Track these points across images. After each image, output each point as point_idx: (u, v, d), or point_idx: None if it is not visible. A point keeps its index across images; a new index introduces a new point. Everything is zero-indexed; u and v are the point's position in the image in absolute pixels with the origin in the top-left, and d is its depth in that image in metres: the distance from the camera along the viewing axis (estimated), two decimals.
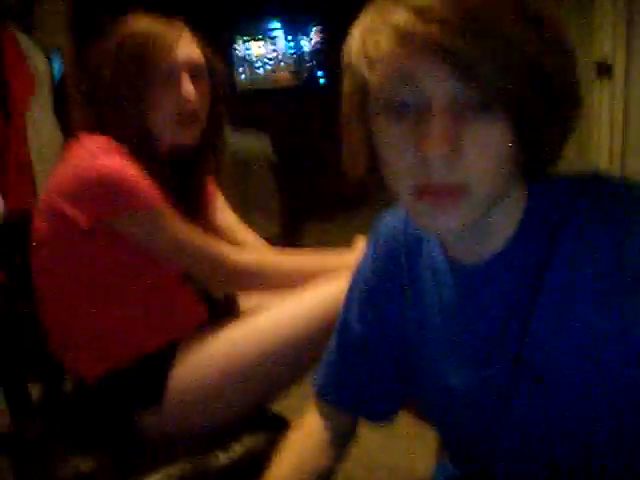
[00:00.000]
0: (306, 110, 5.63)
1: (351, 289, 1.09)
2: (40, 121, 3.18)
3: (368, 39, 0.76)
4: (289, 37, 6.02)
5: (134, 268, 1.46)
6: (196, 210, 1.61)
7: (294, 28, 6.02)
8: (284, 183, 4.56)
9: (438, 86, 0.72)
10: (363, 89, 0.78)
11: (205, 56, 1.54)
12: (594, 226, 0.77)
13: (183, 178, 1.61)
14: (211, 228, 1.64)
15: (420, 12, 0.70)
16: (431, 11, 0.70)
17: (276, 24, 5.96)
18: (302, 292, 1.55)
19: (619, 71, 3.43)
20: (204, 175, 1.67)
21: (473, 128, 0.72)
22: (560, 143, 0.80)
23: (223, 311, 1.63)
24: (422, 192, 0.75)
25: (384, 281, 1.02)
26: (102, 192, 1.36)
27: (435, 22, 0.69)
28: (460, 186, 0.74)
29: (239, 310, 1.69)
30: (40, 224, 1.44)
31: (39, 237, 1.45)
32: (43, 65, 3.23)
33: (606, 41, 3.38)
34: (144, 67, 1.44)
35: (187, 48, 1.49)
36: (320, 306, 1.50)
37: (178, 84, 1.47)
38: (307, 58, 6.10)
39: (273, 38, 5.97)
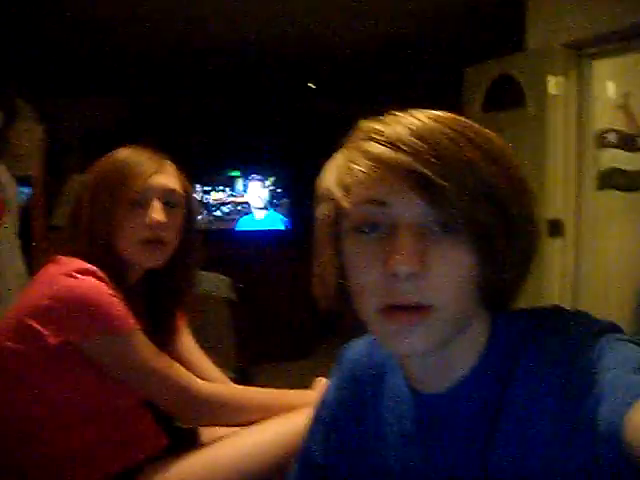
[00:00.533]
0: (267, 252, 5.72)
1: (314, 418, 1.10)
2: (4, 246, 3.18)
3: (343, 168, 0.83)
4: (246, 183, 6.21)
5: (97, 392, 1.44)
6: (163, 339, 1.61)
7: (252, 174, 6.21)
8: (242, 323, 4.55)
9: (406, 209, 0.78)
10: (336, 214, 0.84)
11: (182, 188, 1.60)
12: (547, 358, 0.80)
13: (153, 306, 1.62)
14: (177, 360, 1.62)
15: (392, 143, 0.78)
16: (402, 142, 0.78)
17: (235, 172, 6.17)
18: (264, 425, 1.54)
19: (570, 229, 3.58)
20: (174, 305, 1.68)
21: (439, 249, 0.78)
22: (520, 274, 0.86)
23: (183, 440, 1.60)
24: (388, 311, 0.78)
25: (348, 409, 1.03)
26: (75, 312, 1.36)
27: (405, 151, 0.77)
28: (426, 306, 0.78)
29: (199, 439, 1.66)
30: (3, 340, 1.41)
31: (1, 353, 1.41)
32: (13, 191, 3.27)
33: (557, 200, 3.54)
34: (118, 191, 1.49)
35: (164, 177, 1.56)
36: (281, 438, 1.49)
37: (149, 208, 1.51)
38: (265, 203, 6.25)
39: (232, 185, 6.15)
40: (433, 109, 0.85)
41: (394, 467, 0.95)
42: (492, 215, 0.78)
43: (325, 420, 1.07)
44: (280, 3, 3.97)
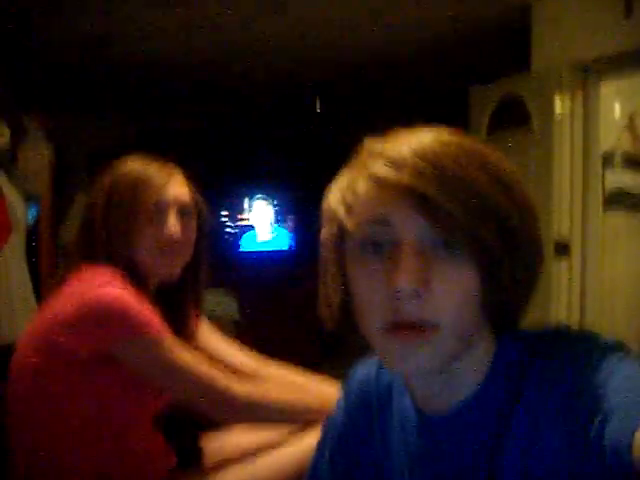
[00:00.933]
0: (272, 271, 5.72)
1: (323, 437, 1.10)
2: (11, 265, 3.19)
3: (347, 189, 0.84)
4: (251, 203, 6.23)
5: (116, 410, 1.45)
6: (187, 336, 1.63)
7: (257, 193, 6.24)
8: (246, 342, 4.54)
9: (409, 227, 0.78)
10: (340, 233, 0.85)
11: (193, 198, 1.62)
12: (554, 378, 0.80)
13: (171, 307, 1.63)
14: (204, 353, 1.66)
15: (394, 162, 0.79)
16: (404, 161, 0.78)
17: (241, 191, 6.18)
18: (272, 450, 1.56)
19: (576, 249, 3.57)
20: (189, 305, 1.69)
21: (442, 267, 0.78)
22: (524, 294, 0.85)
23: (189, 458, 1.61)
24: (392, 329, 0.79)
25: (355, 430, 1.03)
26: (105, 319, 1.38)
27: (407, 171, 0.77)
28: (429, 323, 0.78)
29: (204, 458, 1.67)
30: (26, 356, 1.43)
31: (23, 368, 1.44)
32: (21, 210, 3.28)
33: (563, 221, 3.54)
34: (134, 205, 1.52)
35: (177, 188, 1.59)
36: (290, 464, 1.51)
37: (165, 220, 1.54)
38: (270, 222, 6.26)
39: (238, 205, 6.20)
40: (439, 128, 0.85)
41: None
42: (495, 235, 0.78)
43: (332, 441, 1.07)
44: (286, 24, 4.00)
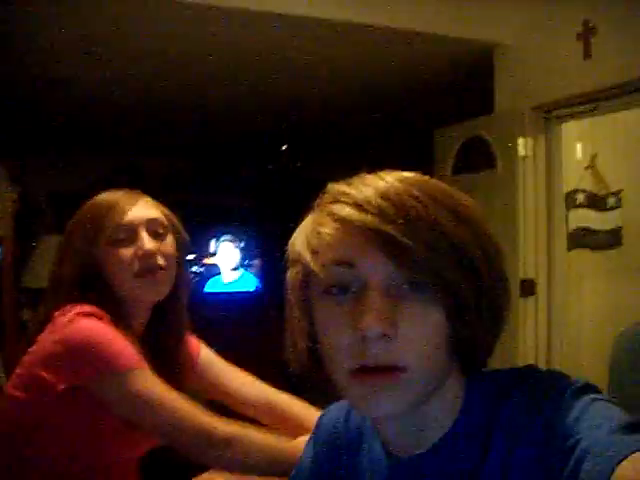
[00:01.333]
0: (238, 314, 5.68)
1: None
2: None
3: (311, 232, 0.83)
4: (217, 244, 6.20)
5: (94, 445, 1.42)
6: (176, 377, 1.55)
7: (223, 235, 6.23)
8: None
9: (375, 269, 0.78)
10: (306, 276, 0.84)
11: (166, 216, 1.58)
12: (523, 421, 0.79)
13: (156, 338, 1.58)
14: (210, 386, 1.65)
15: (358, 204, 0.79)
16: (368, 203, 0.78)
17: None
18: None
19: (542, 288, 3.60)
20: (178, 333, 1.63)
21: (408, 309, 0.77)
22: (492, 332, 0.85)
23: None
24: (359, 373, 0.77)
25: (324, 476, 1.01)
26: (78, 355, 1.35)
27: (371, 212, 0.77)
28: (396, 367, 0.77)
29: None
30: (12, 393, 1.41)
31: (9, 401, 1.42)
32: None
33: (529, 260, 3.57)
34: (98, 230, 1.48)
35: (144, 209, 1.54)
36: None
37: (136, 240, 1.49)
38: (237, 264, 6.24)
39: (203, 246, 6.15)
40: (404, 171, 0.85)
41: None
42: (460, 273, 0.78)
43: None
44: (250, 65, 4.02)
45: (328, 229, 0.80)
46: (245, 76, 4.20)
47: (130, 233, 1.50)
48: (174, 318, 1.61)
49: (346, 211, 0.79)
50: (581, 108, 3.46)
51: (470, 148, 3.86)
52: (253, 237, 6.30)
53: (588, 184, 3.85)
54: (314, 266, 0.81)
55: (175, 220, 1.61)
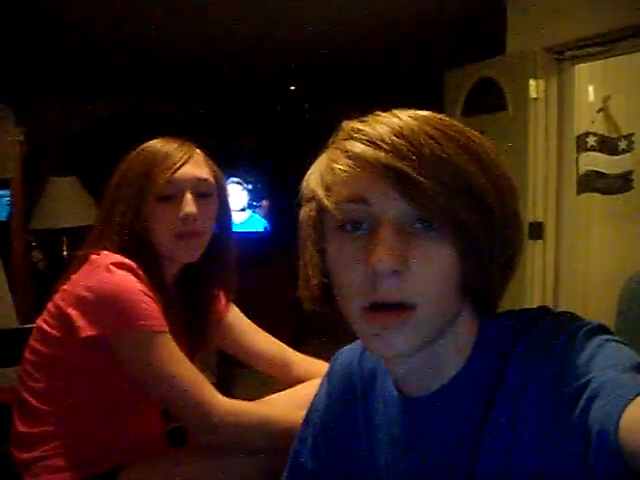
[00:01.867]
0: (247, 254, 5.70)
1: (304, 423, 1.09)
2: None
3: (325, 168, 0.83)
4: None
5: (118, 389, 1.45)
6: (199, 339, 1.60)
7: (230, 176, 6.18)
8: None
9: (387, 206, 0.78)
10: (319, 213, 0.85)
11: (215, 177, 1.57)
12: (537, 359, 0.80)
13: (193, 293, 1.60)
14: (228, 337, 1.67)
15: (372, 141, 0.79)
16: (382, 140, 0.78)
17: None
18: None
19: (550, 231, 3.60)
20: (210, 301, 1.66)
21: (420, 245, 0.78)
22: (504, 273, 0.85)
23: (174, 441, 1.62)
24: (372, 311, 0.78)
25: (338, 416, 1.03)
26: (104, 307, 1.36)
27: (385, 149, 0.77)
28: (407, 304, 0.78)
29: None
30: (39, 324, 1.45)
31: (40, 334, 1.45)
32: None
33: (538, 203, 3.56)
34: (146, 183, 1.47)
35: (194, 167, 1.52)
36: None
37: (180, 200, 1.48)
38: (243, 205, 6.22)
39: None
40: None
41: (383, 471, 0.95)
42: (473, 211, 0.78)
43: (315, 425, 1.07)
44: (257, 4, 3.96)
45: (342, 165, 0.81)
46: (252, 16, 4.13)
47: (177, 191, 1.49)
48: (206, 276, 1.62)
49: (360, 148, 0.79)
50: (595, 49, 3.40)
51: (481, 90, 3.81)
52: (260, 179, 6.28)
53: (600, 127, 3.81)
54: (327, 203, 0.82)
55: (223, 180, 1.61)
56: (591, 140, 3.73)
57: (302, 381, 1.61)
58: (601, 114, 3.83)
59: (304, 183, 0.88)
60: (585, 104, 3.77)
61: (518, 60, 3.61)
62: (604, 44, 3.32)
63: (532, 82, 3.53)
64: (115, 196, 1.50)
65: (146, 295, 1.39)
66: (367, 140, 0.80)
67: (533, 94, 3.54)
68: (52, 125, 5.64)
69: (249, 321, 1.77)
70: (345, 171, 0.80)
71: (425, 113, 0.84)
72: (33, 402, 1.44)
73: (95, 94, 5.84)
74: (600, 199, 3.81)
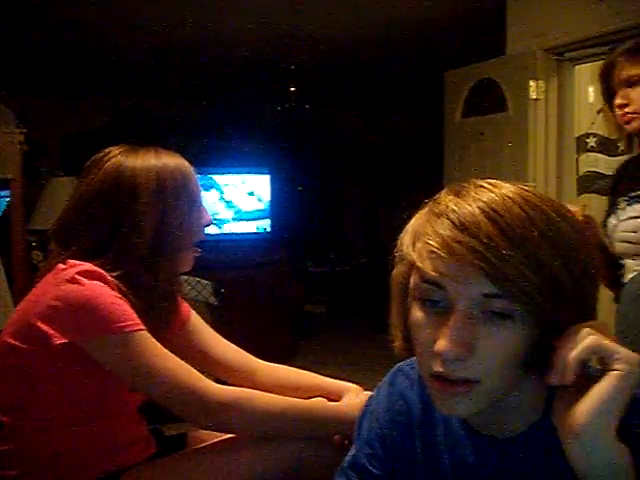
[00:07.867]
0: (249, 255, 5.69)
1: (364, 429, 1.10)
2: None
3: (417, 239, 0.86)
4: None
5: (96, 395, 1.44)
6: (160, 330, 1.53)
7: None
8: (222, 326, 4.53)
9: (464, 291, 0.80)
10: (407, 277, 0.89)
11: None
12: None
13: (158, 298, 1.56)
14: (190, 346, 1.66)
15: (464, 227, 0.80)
16: (477, 227, 0.79)
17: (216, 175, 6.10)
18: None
19: None
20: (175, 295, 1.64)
21: (490, 334, 0.81)
22: None
23: (171, 448, 1.59)
24: (438, 379, 0.83)
25: (399, 430, 1.05)
26: (78, 314, 1.35)
27: (478, 237, 0.79)
28: (471, 380, 0.82)
29: (188, 444, 1.65)
30: (5, 340, 1.41)
31: (6, 349, 1.42)
32: None
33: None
34: (190, 194, 1.55)
35: None
36: (280, 453, 1.47)
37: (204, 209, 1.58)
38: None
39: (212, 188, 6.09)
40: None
41: None
42: (552, 302, 0.79)
43: (377, 434, 1.08)
44: (263, 5, 3.97)
45: (428, 245, 0.82)
46: (253, 15, 4.14)
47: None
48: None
49: (449, 231, 0.81)
50: (595, 50, 3.40)
51: (481, 91, 3.82)
52: (260, 179, 6.27)
53: (600, 128, 3.80)
54: (413, 276, 0.86)
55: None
56: (591, 141, 3.73)
57: (267, 389, 1.56)
58: (601, 115, 3.82)
59: (399, 240, 0.90)
60: (585, 105, 3.77)
61: (518, 61, 3.62)
62: (604, 45, 3.31)
63: (532, 83, 3.54)
64: (131, 211, 1.46)
65: (117, 297, 1.39)
66: (459, 223, 0.80)
67: (533, 95, 3.54)
68: (52, 125, 5.64)
69: (210, 329, 1.74)
70: (431, 252, 0.81)
71: (517, 192, 0.84)
72: (2, 418, 1.42)
73: (95, 94, 5.84)
74: (599, 200, 3.81)
